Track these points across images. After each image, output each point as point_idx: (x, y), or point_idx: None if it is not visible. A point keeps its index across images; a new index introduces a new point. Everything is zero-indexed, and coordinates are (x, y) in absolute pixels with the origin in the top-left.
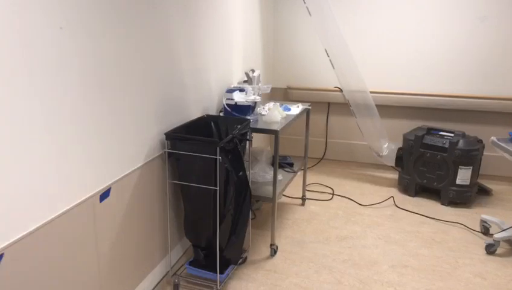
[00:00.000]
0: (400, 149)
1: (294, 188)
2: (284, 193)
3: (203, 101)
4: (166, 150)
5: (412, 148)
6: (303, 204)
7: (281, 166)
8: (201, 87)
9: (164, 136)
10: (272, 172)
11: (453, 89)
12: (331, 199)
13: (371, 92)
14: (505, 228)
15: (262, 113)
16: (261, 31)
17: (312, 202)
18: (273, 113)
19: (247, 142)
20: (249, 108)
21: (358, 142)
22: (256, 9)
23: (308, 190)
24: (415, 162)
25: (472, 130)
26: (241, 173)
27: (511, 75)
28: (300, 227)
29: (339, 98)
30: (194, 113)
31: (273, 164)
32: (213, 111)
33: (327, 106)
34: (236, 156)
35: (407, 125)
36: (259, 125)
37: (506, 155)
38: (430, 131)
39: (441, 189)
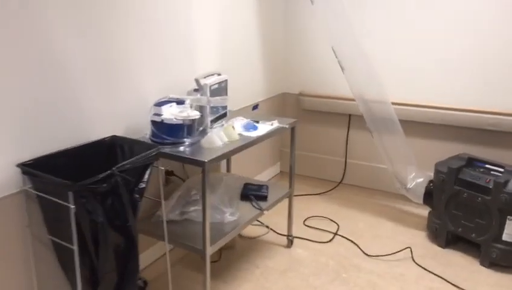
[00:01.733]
0: (430, 182)
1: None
2: (270, 226)
3: (124, 116)
4: (25, 187)
5: (445, 183)
6: (289, 245)
7: (247, 198)
8: (120, 95)
9: (21, 167)
10: (230, 209)
11: (509, 104)
12: (330, 240)
13: (394, 104)
14: None
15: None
16: (258, 27)
17: (303, 244)
18: (212, 137)
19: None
20: (182, 128)
21: (385, 166)
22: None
23: (307, 225)
24: (447, 202)
25: None
26: (128, 223)
27: None
28: (268, 281)
29: None
30: (102, 132)
31: (242, 196)
32: (140, 131)
33: (347, 118)
34: (120, 201)
35: (443, 151)
36: (191, 153)
37: None
38: (471, 162)
39: (480, 244)
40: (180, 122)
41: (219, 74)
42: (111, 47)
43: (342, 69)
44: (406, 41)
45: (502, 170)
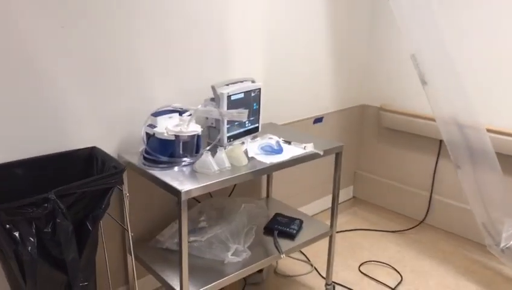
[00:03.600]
0: None
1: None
2: (316, 265)
3: (120, 125)
4: None
5: None
6: None
7: (271, 233)
8: (116, 100)
9: None
10: (238, 245)
11: None
12: None
13: (490, 132)
14: None
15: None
16: (331, 23)
17: None
18: (205, 161)
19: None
20: (176, 145)
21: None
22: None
23: (362, 272)
24: None
25: None
26: (70, 257)
27: None
28: None
29: None
30: (87, 142)
31: (266, 230)
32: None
33: (438, 144)
34: (62, 229)
35: None
36: (173, 178)
37: None
38: None
39: None
40: (172, 137)
41: (253, 81)
42: (106, 40)
43: (423, 83)
44: (508, 49)
45: None
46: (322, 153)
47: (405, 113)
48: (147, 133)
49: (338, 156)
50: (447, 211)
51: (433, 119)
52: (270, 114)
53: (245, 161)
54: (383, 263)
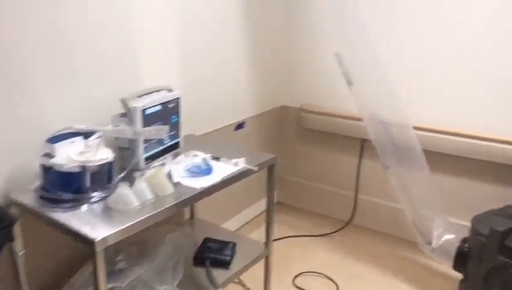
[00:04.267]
0: (464, 241)
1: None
2: (250, 285)
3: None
4: None
5: (485, 250)
6: None
7: (202, 263)
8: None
9: None
10: (165, 286)
11: None
12: None
13: (417, 129)
14: None
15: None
16: (244, 22)
17: None
18: (121, 195)
19: None
20: (82, 178)
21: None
22: None
23: (297, 286)
24: (487, 275)
25: None
26: None
27: None
28: None
29: None
30: None
31: (196, 260)
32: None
33: (360, 143)
34: None
35: (483, 194)
36: (84, 222)
37: None
38: None
39: None
40: (77, 169)
41: (169, 90)
42: None
43: (349, 83)
44: (435, 47)
45: None
46: (256, 168)
47: (326, 114)
48: (43, 166)
49: (271, 168)
50: (373, 210)
51: (354, 119)
52: (188, 124)
53: (170, 189)
54: (317, 272)
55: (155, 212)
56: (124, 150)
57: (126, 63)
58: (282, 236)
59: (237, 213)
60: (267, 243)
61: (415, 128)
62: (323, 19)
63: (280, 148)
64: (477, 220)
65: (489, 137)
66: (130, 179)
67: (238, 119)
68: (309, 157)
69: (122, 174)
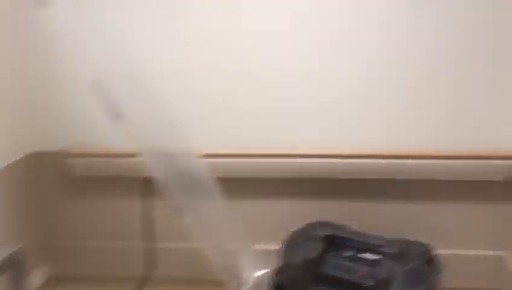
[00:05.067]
0: (278, 273)
1: None
2: None
3: None
4: None
5: (301, 281)
6: None
7: None
8: None
9: None
10: None
11: (388, 143)
12: None
13: (206, 156)
14: None
15: None
16: None
17: None
18: None
19: None
20: None
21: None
22: None
23: None
24: None
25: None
26: None
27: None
28: None
29: None
30: None
31: None
32: None
33: (141, 183)
34: None
35: (291, 213)
36: None
37: None
38: (332, 240)
39: None
40: None
41: None
42: None
43: (118, 117)
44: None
45: (381, 249)
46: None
47: (97, 154)
48: None
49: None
50: (174, 257)
51: (130, 155)
52: None
53: None
54: None
55: None
56: None
57: None
58: None
59: None
60: None
61: (207, 155)
62: (64, 40)
63: (40, 210)
64: (287, 249)
65: (285, 153)
66: None
67: None
68: (83, 211)
69: None
